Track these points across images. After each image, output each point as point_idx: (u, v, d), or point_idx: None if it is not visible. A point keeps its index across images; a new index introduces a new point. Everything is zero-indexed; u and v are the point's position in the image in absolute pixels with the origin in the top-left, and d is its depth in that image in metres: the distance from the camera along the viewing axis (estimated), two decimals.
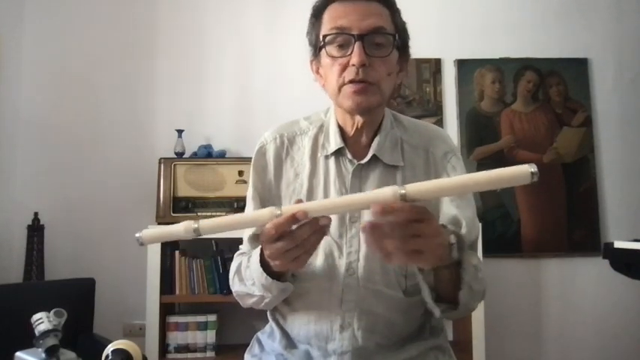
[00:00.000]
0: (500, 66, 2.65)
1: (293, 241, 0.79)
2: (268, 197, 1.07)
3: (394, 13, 1.00)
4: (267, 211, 0.79)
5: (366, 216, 1.00)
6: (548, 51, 2.65)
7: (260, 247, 0.91)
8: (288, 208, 0.78)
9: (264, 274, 0.92)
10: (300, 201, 0.83)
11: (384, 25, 0.96)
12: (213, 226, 0.80)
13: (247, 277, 0.99)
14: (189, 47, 2.62)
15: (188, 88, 2.60)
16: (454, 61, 2.65)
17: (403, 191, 0.72)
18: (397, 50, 0.99)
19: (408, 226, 0.74)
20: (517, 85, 2.65)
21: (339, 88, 0.97)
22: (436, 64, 2.64)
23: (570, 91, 2.65)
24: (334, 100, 1.01)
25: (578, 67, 2.66)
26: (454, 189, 0.75)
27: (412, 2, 2.63)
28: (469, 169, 1.08)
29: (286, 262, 0.84)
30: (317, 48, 1.01)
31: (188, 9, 2.63)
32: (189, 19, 2.63)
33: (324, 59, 0.99)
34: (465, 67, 2.65)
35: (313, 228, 0.79)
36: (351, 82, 0.94)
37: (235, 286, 1.05)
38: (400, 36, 0.99)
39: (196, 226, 0.78)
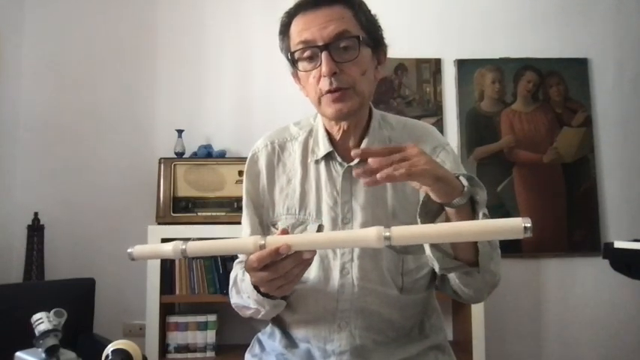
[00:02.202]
0: (500, 66, 2.65)
1: (276, 273, 0.81)
2: (262, 203, 1.08)
3: (358, 11, 0.99)
4: (252, 240, 0.80)
5: (359, 215, 1.00)
6: (548, 51, 2.65)
7: None
8: (273, 239, 0.79)
9: (255, 291, 0.93)
10: (285, 231, 0.84)
11: (346, 28, 0.96)
12: (200, 249, 0.83)
13: (243, 290, 1.00)
14: (189, 47, 2.62)
15: (188, 88, 2.59)
16: (454, 61, 2.65)
17: (388, 233, 0.72)
18: (368, 47, 0.99)
19: (390, 157, 0.77)
20: (517, 85, 2.65)
21: (319, 99, 0.98)
22: (436, 64, 2.64)
23: (570, 91, 2.65)
24: (317, 110, 1.03)
25: (578, 67, 2.66)
26: (439, 236, 0.74)
27: (413, 2, 2.66)
28: (469, 169, 1.09)
29: (270, 290, 0.86)
30: (290, 63, 1.02)
31: (188, 9, 2.63)
32: (189, 19, 2.63)
33: (301, 74, 1.00)
34: (465, 67, 2.65)
35: (296, 261, 0.80)
36: (328, 91, 0.95)
37: (233, 297, 1.06)
38: (368, 32, 0.99)
39: (184, 247, 0.81)
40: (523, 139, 2.61)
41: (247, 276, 0.94)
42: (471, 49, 2.64)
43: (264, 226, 1.08)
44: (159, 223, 2.25)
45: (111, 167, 2.52)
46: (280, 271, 0.81)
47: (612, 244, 1.88)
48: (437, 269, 0.89)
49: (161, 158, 2.32)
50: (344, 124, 1.02)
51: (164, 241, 2.26)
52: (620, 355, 2.51)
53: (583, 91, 2.65)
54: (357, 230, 0.78)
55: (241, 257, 1.11)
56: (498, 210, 2.55)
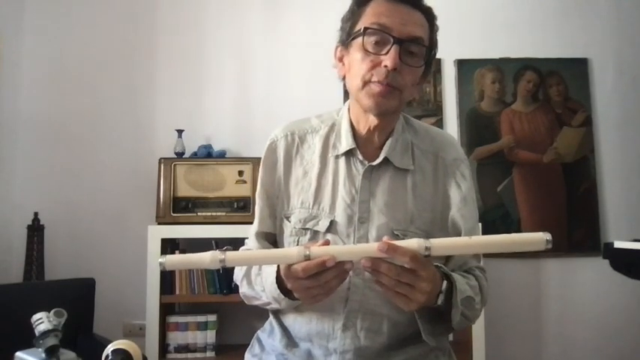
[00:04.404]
0: (500, 66, 2.65)
1: (317, 282, 0.83)
2: (277, 194, 1.07)
3: (433, 29, 1.01)
4: (296, 251, 0.81)
5: (377, 217, 1.00)
6: (548, 51, 2.65)
7: (276, 265, 0.92)
8: (317, 250, 0.80)
9: (278, 291, 0.93)
10: (327, 242, 0.85)
11: (423, 36, 0.97)
12: (239, 259, 0.85)
13: (257, 283, 1.00)
14: (189, 47, 2.62)
15: (188, 88, 2.59)
16: (454, 61, 2.65)
17: (429, 244, 0.79)
18: (424, 64, 1.00)
19: (401, 272, 0.79)
20: (517, 85, 2.65)
21: (364, 84, 0.96)
22: (436, 64, 2.64)
23: (570, 91, 2.65)
24: (354, 94, 1.01)
25: (578, 67, 2.66)
26: (474, 247, 0.84)
27: None
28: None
29: (305, 298, 0.87)
30: (350, 36, 1.00)
31: (188, 9, 2.63)
32: (190, 19, 2.63)
33: (355, 52, 0.98)
34: (465, 67, 2.65)
35: (337, 272, 0.82)
36: (378, 82, 0.94)
37: (243, 287, 1.06)
38: (431, 51, 1.00)
39: (223, 257, 0.80)
40: (523, 139, 2.61)
41: (267, 275, 0.95)
42: (470, 49, 2.64)
43: (278, 218, 1.07)
44: (159, 223, 2.25)
45: (111, 167, 2.52)
46: (322, 280, 0.82)
47: (612, 244, 1.88)
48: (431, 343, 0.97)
49: (161, 158, 2.32)
50: (372, 121, 1.01)
51: (164, 241, 2.28)
52: (620, 355, 2.51)
53: (583, 91, 2.65)
54: (399, 241, 0.79)
55: (249, 244, 1.10)
56: (498, 210, 2.55)
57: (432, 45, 1.01)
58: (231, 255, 0.80)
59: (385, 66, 0.93)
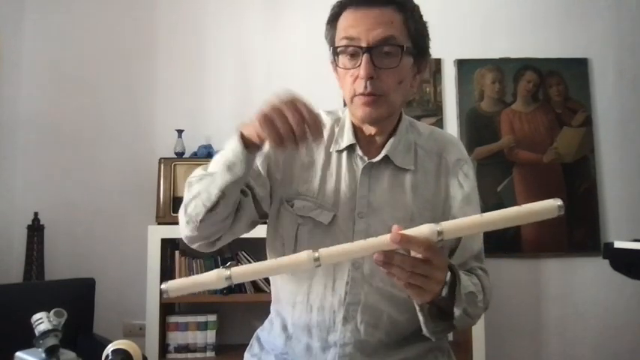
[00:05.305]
0: (500, 66, 2.65)
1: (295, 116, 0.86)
2: (278, 172, 1.05)
3: (408, 17, 0.99)
4: (305, 255, 0.78)
5: (376, 214, 1.01)
6: (548, 51, 2.65)
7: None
8: (327, 251, 0.77)
9: (240, 147, 0.91)
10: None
11: (393, 33, 0.96)
12: (246, 273, 0.80)
13: (208, 167, 0.99)
14: (189, 47, 2.62)
15: (188, 88, 2.59)
16: (454, 61, 2.65)
17: (440, 228, 0.75)
18: (411, 56, 0.99)
19: (416, 264, 0.77)
20: (517, 85, 2.65)
21: (351, 99, 0.99)
22: (436, 64, 2.64)
23: (570, 91, 2.65)
24: (348, 107, 1.04)
25: (578, 67, 2.66)
26: (488, 225, 0.79)
27: None
28: None
29: (270, 134, 0.87)
30: (333, 54, 1.02)
31: (188, 9, 2.63)
32: (190, 19, 2.63)
33: (339, 68, 1.00)
34: (465, 67, 2.65)
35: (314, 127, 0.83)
36: (361, 94, 0.96)
37: (185, 197, 1.01)
38: (414, 41, 1.00)
39: (228, 273, 0.77)
40: (523, 139, 2.61)
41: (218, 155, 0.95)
42: (471, 49, 2.64)
43: (276, 201, 1.05)
44: (159, 223, 2.25)
45: (111, 167, 2.52)
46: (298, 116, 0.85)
47: (612, 244, 1.88)
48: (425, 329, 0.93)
49: (161, 158, 2.32)
50: (370, 129, 1.03)
51: (164, 241, 2.27)
52: (620, 355, 2.51)
53: (583, 91, 2.65)
54: (409, 230, 0.77)
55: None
56: (498, 209, 2.55)
57: (412, 36, 0.99)
58: (236, 270, 0.78)
59: (362, 78, 0.94)
